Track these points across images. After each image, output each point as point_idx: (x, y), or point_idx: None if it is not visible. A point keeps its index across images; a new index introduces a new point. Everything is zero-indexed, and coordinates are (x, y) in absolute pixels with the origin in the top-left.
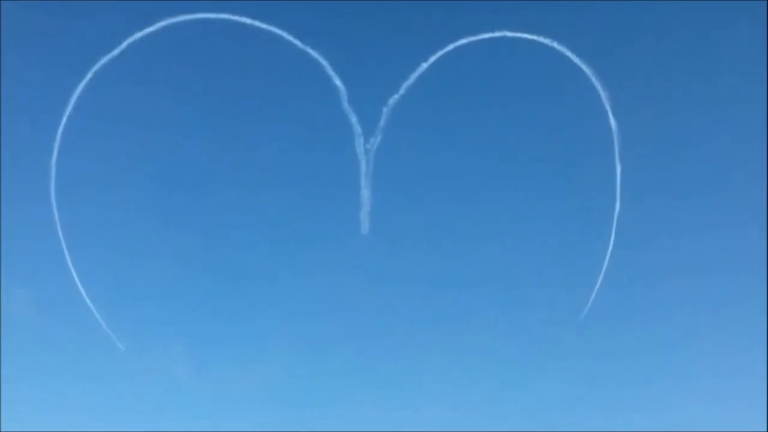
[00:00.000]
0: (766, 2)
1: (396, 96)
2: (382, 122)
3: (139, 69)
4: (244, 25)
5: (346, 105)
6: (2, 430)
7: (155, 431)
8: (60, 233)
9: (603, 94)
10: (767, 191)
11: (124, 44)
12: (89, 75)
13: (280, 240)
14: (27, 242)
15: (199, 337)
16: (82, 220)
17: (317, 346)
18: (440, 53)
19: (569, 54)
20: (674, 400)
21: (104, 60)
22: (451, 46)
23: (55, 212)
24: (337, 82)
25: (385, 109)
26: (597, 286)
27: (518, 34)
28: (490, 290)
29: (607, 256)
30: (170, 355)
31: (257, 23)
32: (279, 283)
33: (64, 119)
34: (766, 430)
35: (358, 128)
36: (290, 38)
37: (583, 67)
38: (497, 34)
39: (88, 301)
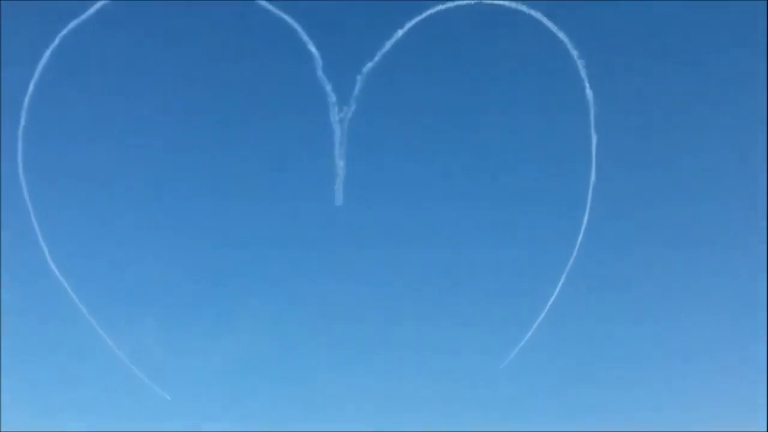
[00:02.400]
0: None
1: (370, 64)
2: (356, 90)
3: (107, 33)
4: None
5: (320, 73)
6: (2, 430)
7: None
8: (31, 210)
9: (579, 64)
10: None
11: (95, 7)
12: (56, 41)
13: (251, 210)
14: None
15: (169, 308)
16: (51, 198)
17: (289, 318)
18: (416, 20)
19: (546, 21)
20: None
21: (72, 24)
22: (426, 13)
23: (23, 181)
24: (312, 48)
25: (359, 77)
26: (570, 262)
27: (495, 1)
28: (468, 260)
29: (582, 228)
30: (140, 326)
31: None
32: (250, 255)
33: (30, 89)
34: (766, 430)
35: (332, 96)
36: (263, 2)
37: (560, 35)
38: (473, 0)
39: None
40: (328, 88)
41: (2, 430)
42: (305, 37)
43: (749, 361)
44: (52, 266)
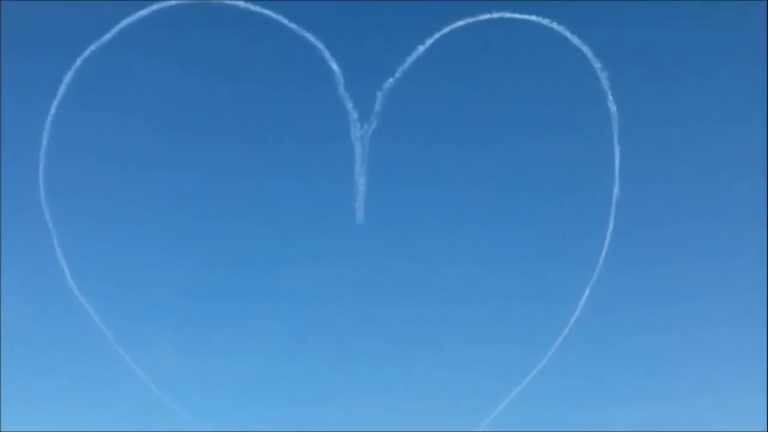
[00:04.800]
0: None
1: (391, 80)
2: (377, 107)
3: (130, 54)
4: (238, 8)
5: (341, 90)
6: (2, 430)
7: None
8: (49, 223)
9: (602, 76)
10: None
11: (115, 29)
12: (78, 62)
13: (272, 228)
14: (16, 238)
15: (187, 327)
16: (71, 210)
17: (309, 336)
18: (437, 35)
19: (568, 35)
20: (673, 398)
21: (94, 46)
22: (448, 28)
23: (43, 202)
24: (334, 66)
25: (380, 94)
26: (594, 278)
27: (517, 15)
28: (487, 279)
29: (607, 240)
30: (157, 345)
31: (252, 7)
32: (271, 273)
33: (53, 109)
34: (766, 430)
35: (353, 114)
36: (286, 22)
37: (583, 48)
38: (495, 15)
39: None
40: (350, 105)
41: (2, 430)
42: (327, 55)
43: (749, 361)
44: (73, 287)
